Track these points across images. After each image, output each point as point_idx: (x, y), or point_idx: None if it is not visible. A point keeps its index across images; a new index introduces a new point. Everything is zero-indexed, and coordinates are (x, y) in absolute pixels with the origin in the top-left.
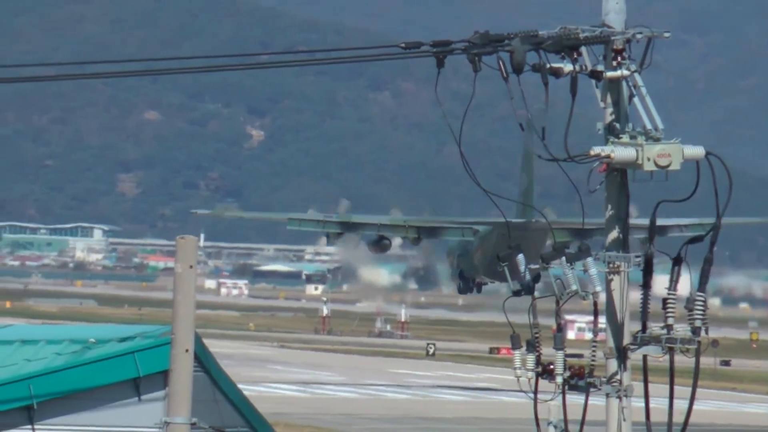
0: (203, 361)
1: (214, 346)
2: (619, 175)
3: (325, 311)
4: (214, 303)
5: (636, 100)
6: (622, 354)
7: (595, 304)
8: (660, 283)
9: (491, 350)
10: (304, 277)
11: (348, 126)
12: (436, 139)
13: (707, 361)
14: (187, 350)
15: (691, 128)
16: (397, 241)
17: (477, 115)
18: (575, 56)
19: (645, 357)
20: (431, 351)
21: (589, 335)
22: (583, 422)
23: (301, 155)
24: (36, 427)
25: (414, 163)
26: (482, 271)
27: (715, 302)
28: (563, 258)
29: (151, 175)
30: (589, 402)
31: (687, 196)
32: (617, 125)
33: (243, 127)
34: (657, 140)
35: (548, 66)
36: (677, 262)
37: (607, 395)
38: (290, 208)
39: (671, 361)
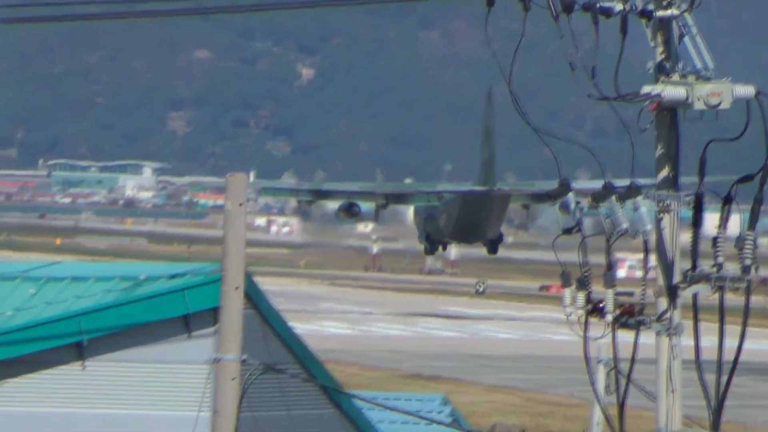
0: (253, 298)
1: (265, 283)
2: (669, 114)
3: (375, 249)
4: (264, 241)
5: (686, 39)
6: (672, 292)
7: (645, 242)
8: (710, 222)
9: (541, 288)
10: None
11: (397, 65)
12: (486, 78)
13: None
14: (237, 288)
15: (742, 69)
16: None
17: (527, 54)
18: None
19: (695, 295)
20: (481, 289)
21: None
22: (633, 360)
23: (350, 94)
24: (86, 362)
25: (464, 102)
26: (447, 233)
27: (764, 241)
28: (613, 197)
29: (202, 114)
30: (639, 340)
31: (737, 136)
32: (667, 65)
33: (293, 65)
34: (707, 80)
35: (598, 6)
36: (727, 201)
37: (657, 333)
38: (339, 146)
39: (721, 300)
